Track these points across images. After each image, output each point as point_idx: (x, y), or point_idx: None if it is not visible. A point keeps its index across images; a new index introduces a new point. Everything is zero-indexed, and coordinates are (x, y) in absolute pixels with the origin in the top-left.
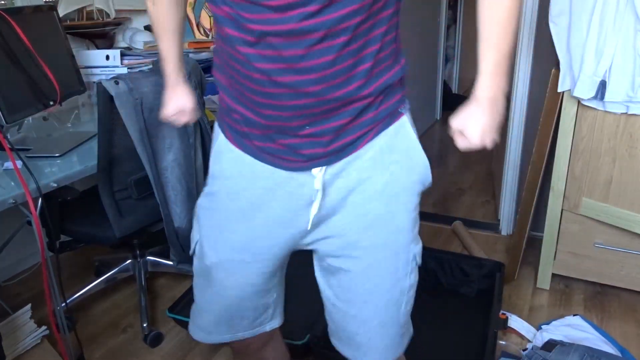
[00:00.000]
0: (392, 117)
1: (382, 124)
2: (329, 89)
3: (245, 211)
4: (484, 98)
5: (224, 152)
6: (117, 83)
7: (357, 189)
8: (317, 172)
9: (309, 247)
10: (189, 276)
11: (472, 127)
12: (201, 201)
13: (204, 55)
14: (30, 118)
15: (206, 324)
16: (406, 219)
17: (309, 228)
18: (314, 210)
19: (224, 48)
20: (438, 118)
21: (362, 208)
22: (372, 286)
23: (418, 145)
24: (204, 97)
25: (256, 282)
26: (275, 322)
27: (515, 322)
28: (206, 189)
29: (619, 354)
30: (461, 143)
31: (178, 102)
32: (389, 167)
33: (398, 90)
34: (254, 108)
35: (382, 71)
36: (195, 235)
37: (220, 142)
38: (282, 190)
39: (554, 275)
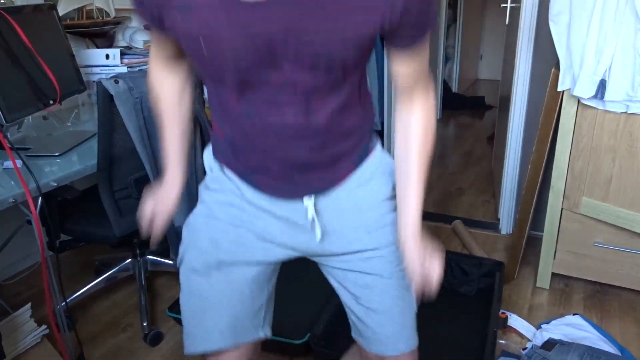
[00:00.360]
0: (364, 155)
1: (358, 162)
2: (308, 157)
3: (243, 220)
4: (417, 233)
5: (226, 171)
6: (116, 82)
7: (352, 209)
8: (307, 200)
9: (319, 262)
10: None
11: (435, 268)
12: (199, 210)
13: None
14: (30, 117)
15: (205, 331)
16: (393, 214)
17: (309, 248)
18: (317, 234)
19: (217, 99)
20: (438, 117)
21: (359, 219)
22: (385, 278)
23: (387, 157)
24: (204, 96)
25: (257, 278)
26: (267, 330)
27: (515, 321)
28: (202, 206)
29: (619, 353)
30: (418, 287)
31: (160, 203)
32: (371, 184)
33: (366, 138)
34: (245, 150)
35: (351, 136)
36: (185, 241)
37: (219, 168)
38: (277, 207)
39: (553, 274)
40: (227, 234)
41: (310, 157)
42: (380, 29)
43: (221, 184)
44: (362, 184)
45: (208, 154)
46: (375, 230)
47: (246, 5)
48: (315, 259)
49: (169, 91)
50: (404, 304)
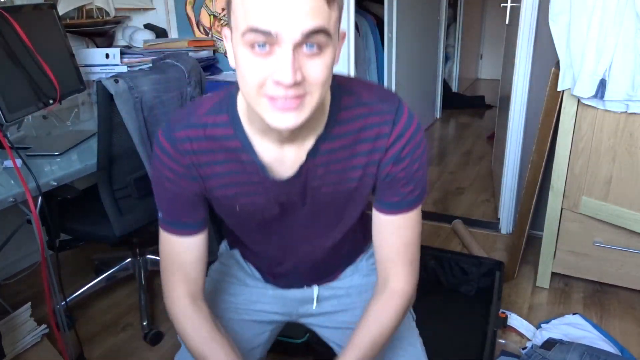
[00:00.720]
0: (360, 253)
1: (354, 259)
2: (312, 272)
3: (242, 287)
4: None
5: (241, 257)
6: (116, 82)
7: (343, 281)
8: (305, 288)
9: (316, 324)
10: None
11: None
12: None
13: (203, 53)
14: (30, 116)
15: None
16: None
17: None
18: (314, 304)
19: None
20: (438, 116)
21: (350, 285)
22: None
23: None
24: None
25: (249, 340)
26: None
27: (515, 320)
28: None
29: (619, 353)
30: None
31: None
32: (361, 265)
33: (363, 246)
34: (257, 259)
35: (352, 253)
36: None
37: (238, 252)
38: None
39: (553, 273)
40: (226, 296)
41: (314, 271)
42: (376, 179)
43: (236, 261)
44: (352, 269)
45: (225, 245)
46: (365, 292)
47: (274, 180)
48: (311, 321)
49: (208, 331)
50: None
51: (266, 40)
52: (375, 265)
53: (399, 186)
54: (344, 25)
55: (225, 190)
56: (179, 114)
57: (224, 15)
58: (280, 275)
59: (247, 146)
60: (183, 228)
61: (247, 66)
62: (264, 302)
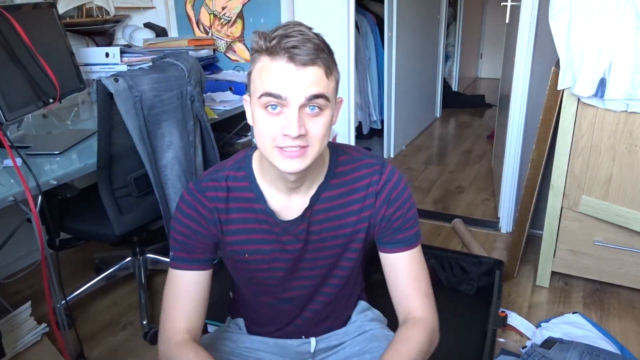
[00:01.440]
0: (352, 309)
1: (347, 319)
2: (309, 324)
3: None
4: None
5: (238, 321)
6: (116, 80)
7: (342, 333)
8: (303, 338)
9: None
10: None
11: None
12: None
13: (203, 52)
14: (29, 115)
15: None
16: (372, 323)
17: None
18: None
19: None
20: (438, 116)
21: (344, 334)
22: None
23: (362, 302)
24: (204, 95)
25: None
26: None
27: (515, 319)
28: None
29: (618, 352)
30: None
31: None
32: (354, 317)
33: (355, 299)
34: (260, 315)
35: (348, 306)
36: None
37: (229, 320)
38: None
39: (553, 272)
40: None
41: (311, 325)
42: (371, 225)
43: (238, 327)
44: (347, 322)
45: (228, 319)
46: (358, 336)
47: (281, 222)
48: None
49: None
50: None
51: (277, 102)
52: (367, 317)
53: (398, 225)
54: (344, 24)
55: (238, 236)
56: (206, 171)
57: (223, 14)
58: (280, 328)
59: (259, 196)
60: (194, 263)
61: (262, 123)
62: (264, 351)
